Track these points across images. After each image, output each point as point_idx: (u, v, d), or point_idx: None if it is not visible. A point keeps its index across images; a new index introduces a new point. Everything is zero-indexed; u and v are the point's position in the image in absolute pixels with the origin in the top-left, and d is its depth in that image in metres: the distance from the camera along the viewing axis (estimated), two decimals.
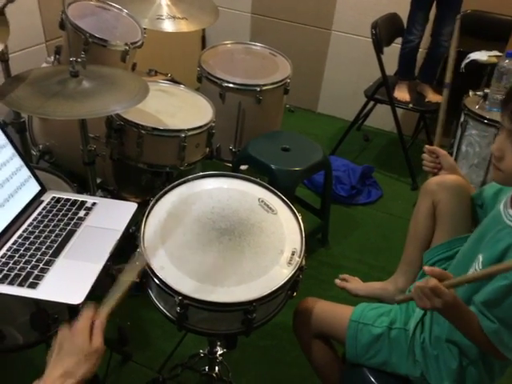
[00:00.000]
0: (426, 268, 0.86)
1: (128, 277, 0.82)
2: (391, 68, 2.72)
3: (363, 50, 2.98)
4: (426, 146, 1.24)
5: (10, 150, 1.10)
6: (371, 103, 2.82)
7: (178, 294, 0.97)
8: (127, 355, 1.64)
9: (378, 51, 2.47)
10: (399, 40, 2.72)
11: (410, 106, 2.57)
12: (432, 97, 2.59)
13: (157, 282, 1.01)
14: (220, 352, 1.48)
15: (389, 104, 2.59)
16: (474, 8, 2.70)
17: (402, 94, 2.63)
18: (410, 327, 1.11)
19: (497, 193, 1.09)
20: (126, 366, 1.62)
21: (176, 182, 1.22)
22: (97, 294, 1.72)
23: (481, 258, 0.96)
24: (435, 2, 2.49)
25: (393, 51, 2.67)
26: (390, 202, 2.53)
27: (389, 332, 1.12)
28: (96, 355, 0.69)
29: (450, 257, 1.15)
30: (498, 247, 0.92)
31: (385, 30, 2.47)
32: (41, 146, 1.96)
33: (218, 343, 1.46)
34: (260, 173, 1.82)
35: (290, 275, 1.03)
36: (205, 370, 1.48)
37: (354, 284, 1.36)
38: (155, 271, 1.00)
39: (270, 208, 1.20)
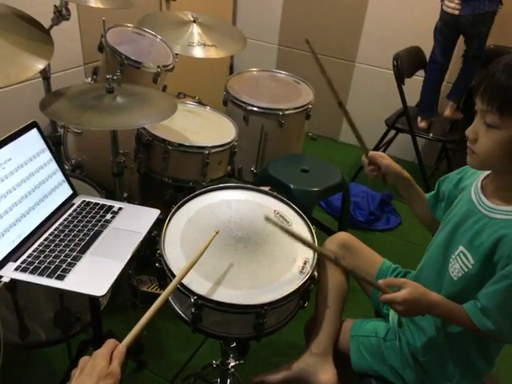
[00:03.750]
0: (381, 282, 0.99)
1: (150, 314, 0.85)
2: (412, 100, 2.78)
3: (386, 81, 3.06)
4: (363, 157, 1.28)
5: (47, 155, 1.20)
6: (392, 132, 2.87)
7: (194, 294, 1.02)
8: (142, 363, 1.68)
9: (400, 82, 2.54)
10: (421, 73, 2.79)
11: (431, 135, 2.62)
12: (449, 113, 2.63)
13: None
14: (232, 364, 1.50)
15: (409, 133, 2.64)
16: (495, 43, 2.76)
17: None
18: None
19: (457, 183, 1.13)
20: (140, 373, 1.66)
21: (197, 192, 1.29)
22: (117, 302, 1.79)
23: (467, 252, 0.97)
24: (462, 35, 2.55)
25: (414, 83, 2.74)
26: (408, 230, 2.54)
27: (384, 343, 1.15)
28: (112, 378, 0.73)
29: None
30: (482, 240, 0.94)
31: (406, 62, 2.55)
32: (73, 161, 2.07)
33: (231, 355, 1.49)
34: (279, 192, 1.88)
35: (302, 283, 1.07)
36: (216, 381, 1.50)
37: (269, 375, 1.23)
38: (173, 272, 1.06)
39: (285, 220, 1.25)
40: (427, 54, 2.74)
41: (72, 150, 2.10)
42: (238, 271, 1.09)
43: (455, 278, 1.00)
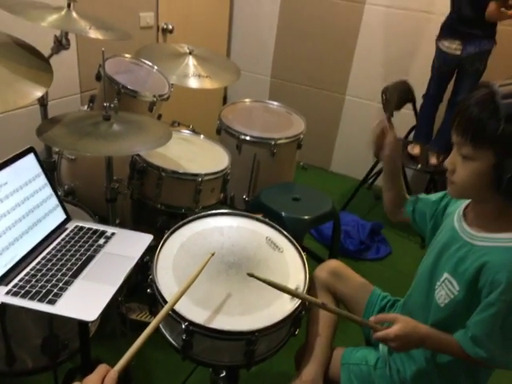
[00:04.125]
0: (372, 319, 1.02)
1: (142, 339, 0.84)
2: (401, 132, 2.86)
3: (375, 114, 3.16)
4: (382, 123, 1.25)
5: (42, 180, 1.21)
6: (382, 164, 2.93)
7: (185, 320, 1.02)
8: None
9: (388, 115, 2.61)
10: (409, 106, 2.88)
11: (419, 166, 2.68)
12: (435, 161, 2.71)
13: None
14: None
15: None
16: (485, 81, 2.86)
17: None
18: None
19: (444, 208, 1.15)
20: None
21: (190, 218, 1.31)
22: (106, 330, 1.77)
23: (452, 279, 1.00)
24: (456, 71, 2.63)
25: (402, 116, 2.82)
26: (398, 259, 2.56)
27: (374, 371, 1.15)
28: None
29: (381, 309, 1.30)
30: (465, 267, 0.96)
31: (395, 96, 2.63)
32: (66, 187, 2.08)
33: None
34: (271, 220, 1.90)
35: (293, 309, 1.08)
36: None
37: None
38: (165, 297, 1.06)
39: (277, 246, 1.27)
40: (414, 88, 2.83)
41: (65, 175, 2.12)
42: (229, 297, 1.10)
43: (442, 305, 1.02)
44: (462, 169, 0.94)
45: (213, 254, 1.10)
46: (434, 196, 1.20)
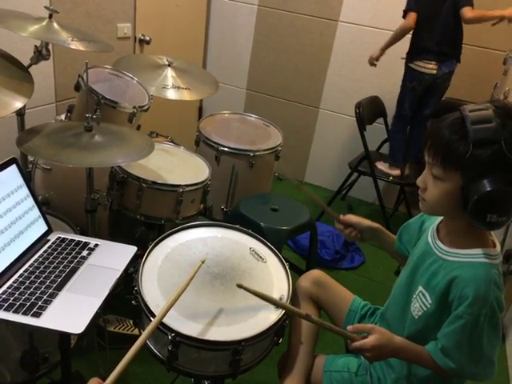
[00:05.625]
0: (350, 328, 1.04)
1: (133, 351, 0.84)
2: (373, 144, 2.95)
3: (348, 127, 3.25)
4: (336, 223, 1.34)
5: (25, 191, 1.20)
6: (355, 175, 3.02)
7: (172, 330, 1.03)
8: None
9: (361, 128, 2.70)
10: (381, 120, 2.99)
11: (391, 178, 2.77)
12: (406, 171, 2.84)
13: (151, 319, 1.06)
14: None
15: (371, 175, 2.79)
16: (448, 96, 3.00)
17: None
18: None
19: (421, 225, 1.21)
20: None
21: (174, 229, 1.32)
22: (82, 344, 1.74)
23: (425, 292, 1.05)
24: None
25: (374, 129, 2.92)
26: (371, 268, 2.63)
27: (356, 378, 1.19)
28: None
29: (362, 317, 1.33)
30: (437, 281, 1.02)
31: (367, 110, 2.72)
32: (40, 197, 2.04)
33: None
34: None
35: (277, 319, 1.10)
36: None
37: None
38: (151, 309, 1.07)
39: (260, 257, 1.29)
40: (386, 104, 2.94)
41: (39, 186, 2.08)
42: (215, 308, 1.11)
43: (416, 317, 1.07)
44: (433, 188, 0.99)
45: (203, 262, 1.12)
46: (413, 218, 1.25)
